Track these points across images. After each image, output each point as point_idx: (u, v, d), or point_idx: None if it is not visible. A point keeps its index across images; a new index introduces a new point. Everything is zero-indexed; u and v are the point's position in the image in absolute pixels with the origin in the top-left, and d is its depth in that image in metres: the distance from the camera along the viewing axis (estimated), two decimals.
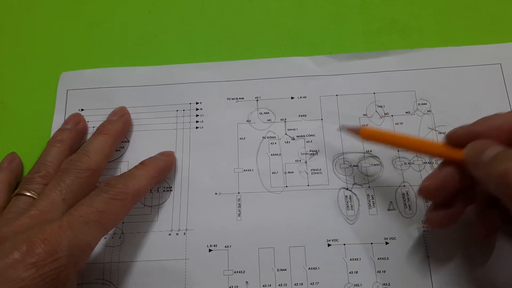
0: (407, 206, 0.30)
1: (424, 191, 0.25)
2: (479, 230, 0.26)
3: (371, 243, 0.29)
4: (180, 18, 0.37)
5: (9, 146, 0.33)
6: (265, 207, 0.30)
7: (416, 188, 0.30)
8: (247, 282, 0.28)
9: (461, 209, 0.25)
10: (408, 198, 0.30)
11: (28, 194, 0.27)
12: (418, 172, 0.30)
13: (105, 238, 0.30)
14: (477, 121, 0.24)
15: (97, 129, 0.31)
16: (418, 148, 0.26)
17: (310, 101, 0.33)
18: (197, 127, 0.33)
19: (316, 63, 0.34)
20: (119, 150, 0.32)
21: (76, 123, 0.32)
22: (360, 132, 0.28)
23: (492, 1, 0.36)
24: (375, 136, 0.27)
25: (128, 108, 0.33)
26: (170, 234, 0.30)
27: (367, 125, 0.31)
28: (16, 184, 0.31)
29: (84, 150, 0.28)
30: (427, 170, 0.30)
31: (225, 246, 0.29)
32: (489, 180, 0.21)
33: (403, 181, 0.30)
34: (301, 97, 0.33)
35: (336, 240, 0.29)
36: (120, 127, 0.31)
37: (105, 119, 0.32)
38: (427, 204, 0.29)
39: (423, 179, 0.25)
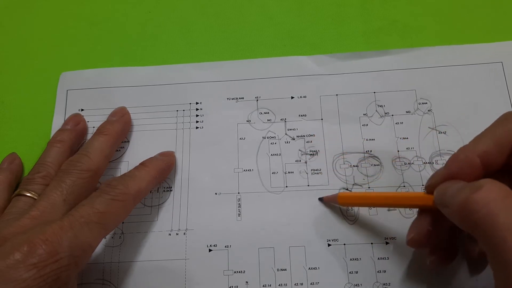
0: None
1: (412, 244, 0.25)
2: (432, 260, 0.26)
3: (371, 243, 0.29)
4: (180, 18, 0.37)
5: (9, 146, 0.33)
6: (265, 207, 0.30)
7: (416, 189, 0.30)
8: (247, 282, 0.28)
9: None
10: None
11: (29, 194, 0.27)
12: (418, 172, 0.30)
13: (105, 238, 0.30)
14: (447, 161, 0.23)
15: (97, 130, 0.31)
16: (395, 204, 0.27)
17: (310, 101, 0.33)
18: (197, 127, 0.33)
19: (316, 63, 0.34)
20: (119, 150, 0.32)
21: (76, 123, 0.32)
22: (338, 199, 0.28)
23: (493, 0, 0.36)
24: (352, 201, 0.28)
25: (128, 108, 0.33)
26: (170, 234, 0.30)
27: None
28: (17, 184, 0.31)
29: (85, 150, 0.28)
30: (427, 170, 0.30)
31: (225, 246, 0.29)
32: (454, 217, 0.21)
33: (403, 181, 0.30)
34: (301, 97, 0.33)
35: (336, 240, 0.29)
36: (120, 127, 0.31)
37: (105, 119, 0.32)
38: None
39: (409, 228, 0.26)
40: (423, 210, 0.25)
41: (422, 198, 0.24)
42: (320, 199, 0.30)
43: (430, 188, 0.24)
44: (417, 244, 0.25)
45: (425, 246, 0.26)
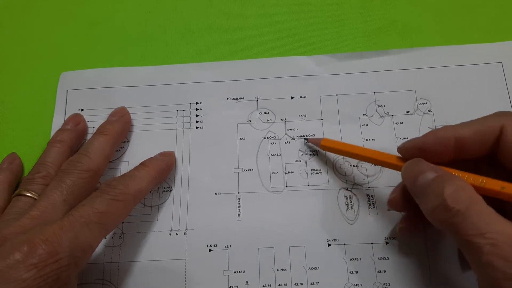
0: None
1: (391, 204, 0.26)
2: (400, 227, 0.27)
3: (371, 243, 0.29)
4: (180, 18, 0.37)
5: (9, 146, 0.33)
6: (265, 207, 0.30)
7: None
8: (247, 282, 0.28)
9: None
10: None
11: (29, 194, 0.27)
12: None
13: (105, 238, 0.30)
14: (426, 133, 0.24)
15: (97, 130, 0.31)
16: (373, 159, 0.27)
17: (310, 101, 0.33)
18: (197, 127, 0.33)
19: (316, 63, 0.34)
20: (119, 150, 0.32)
21: (76, 123, 0.32)
22: (320, 144, 0.30)
23: (493, 0, 0.36)
24: (334, 147, 0.29)
25: (128, 108, 0.33)
26: (170, 234, 0.30)
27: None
28: (17, 184, 0.31)
29: (85, 151, 0.28)
30: None
31: (225, 246, 0.29)
32: (422, 206, 0.22)
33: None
34: (301, 97, 0.33)
35: (336, 240, 0.29)
36: (120, 127, 0.31)
37: (105, 119, 0.32)
38: None
39: (392, 189, 0.27)
40: None
41: (395, 165, 0.26)
42: (306, 139, 0.32)
43: (402, 150, 0.25)
44: (396, 206, 0.26)
45: (402, 210, 0.27)
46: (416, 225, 0.27)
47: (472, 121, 0.24)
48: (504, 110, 0.24)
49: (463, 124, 0.24)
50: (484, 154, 0.23)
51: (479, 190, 0.21)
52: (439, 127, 0.24)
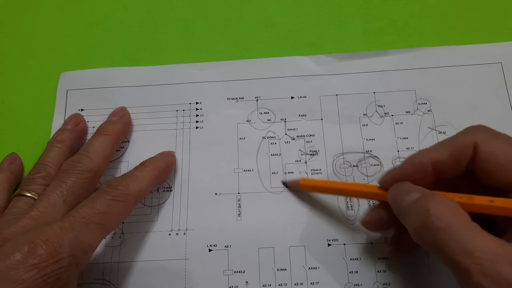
0: None
1: (366, 226, 0.26)
2: (386, 249, 0.28)
3: (371, 243, 0.29)
4: (180, 18, 0.37)
5: (9, 146, 0.33)
6: (265, 207, 0.30)
7: None
8: (247, 282, 0.28)
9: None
10: None
11: (29, 194, 0.27)
12: None
13: (105, 238, 0.30)
14: (403, 162, 0.24)
15: (97, 130, 0.31)
16: (353, 194, 0.28)
17: (310, 101, 0.33)
18: (197, 127, 0.33)
19: (316, 63, 0.34)
20: (119, 150, 0.32)
21: (76, 123, 0.32)
22: (299, 185, 0.29)
23: (492, 0, 0.36)
24: (313, 187, 0.29)
25: (128, 108, 0.33)
26: (170, 234, 0.30)
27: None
28: (17, 184, 0.31)
29: (85, 151, 0.28)
30: None
31: (225, 246, 0.29)
32: (408, 227, 0.22)
33: None
34: (301, 97, 0.33)
35: (336, 240, 0.29)
36: (120, 127, 0.31)
37: (105, 119, 0.32)
38: None
39: (367, 210, 0.27)
40: (382, 203, 0.26)
41: (376, 194, 0.26)
42: (284, 183, 0.31)
43: (384, 184, 0.25)
44: (370, 227, 0.27)
45: (378, 231, 0.28)
46: (404, 246, 0.27)
47: (445, 141, 0.24)
48: (475, 125, 0.24)
49: (437, 146, 0.24)
50: (461, 173, 0.23)
51: (467, 207, 0.21)
52: (414, 153, 0.24)
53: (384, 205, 0.26)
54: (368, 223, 0.26)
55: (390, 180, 0.24)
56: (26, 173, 0.32)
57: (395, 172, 0.24)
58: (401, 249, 0.27)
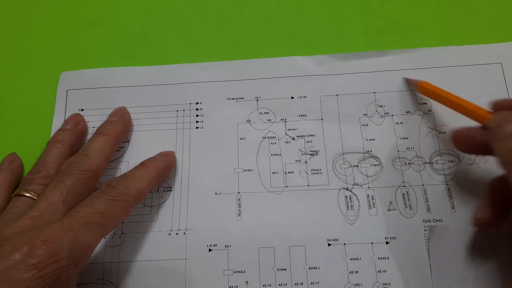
0: (407, 206, 0.30)
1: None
2: (484, 213, 0.26)
3: (371, 243, 0.29)
4: (180, 18, 0.37)
5: (9, 146, 0.33)
6: (265, 207, 0.30)
7: (416, 189, 0.30)
8: (247, 282, 0.28)
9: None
10: (408, 198, 0.30)
11: (28, 195, 0.27)
12: (418, 172, 0.30)
13: (105, 238, 0.30)
14: None
15: (97, 130, 0.31)
16: (460, 109, 0.28)
17: (310, 101, 0.33)
18: (197, 127, 0.33)
19: (316, 63, 0.34)
20: (119, 150, 0.32)
21: (76, 123, 0.32)
22: (418, 87, 0.31)
23: (492, 0, 0.36)
24: (430, 91, 0.31)
25: (128, 108, 0.33)
26: (170, 234, 0.30)
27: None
28: (16, 184, 0.31)
29: (85, 151, 0.28)
30: (427, 171, 0.30)
31: (225, 246, 0.29)
32: (498, 150, 0.22)
33: (403, 181, 0.30)
34: (301, 97, 0.33)
35: (336, 240, 0.29)
36: (120, 128, 0.31)
37: (105, 119, 0.32)
38: (427, 203, 0.29)
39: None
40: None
41: (482, 116, 0.26)
42: (406, 79, 0.33)
43: (495, 105, 0.26)
44: (456, 140, 0.27)
45: (461, 147, 0.28)
46: (495, 215, 0.26)
47: None
48: None
49: None
50: None
51: None
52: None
53: (475, 130, 0.26)
54: (457, 136, 0.27)
55: (502, 106, 0.25)
56: (26, 173, 0.32)
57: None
58: (489, 218, 0.26)
